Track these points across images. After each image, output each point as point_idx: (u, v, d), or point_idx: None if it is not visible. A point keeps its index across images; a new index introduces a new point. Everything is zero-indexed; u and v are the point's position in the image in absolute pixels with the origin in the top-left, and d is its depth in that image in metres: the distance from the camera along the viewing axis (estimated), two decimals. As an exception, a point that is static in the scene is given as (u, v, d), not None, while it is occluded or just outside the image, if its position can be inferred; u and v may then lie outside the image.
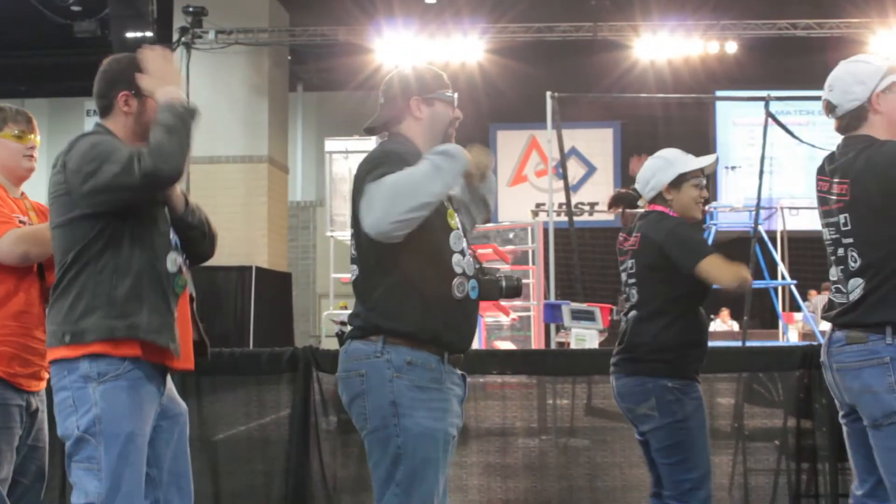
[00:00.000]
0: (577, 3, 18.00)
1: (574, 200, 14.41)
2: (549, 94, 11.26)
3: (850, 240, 3.10)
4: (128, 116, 3.21)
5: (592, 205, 19.18)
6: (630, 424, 3.93)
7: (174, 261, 3.23)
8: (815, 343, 7.57)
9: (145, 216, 3.14)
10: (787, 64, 18.41)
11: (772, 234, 14.31)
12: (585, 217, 19.07)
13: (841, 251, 3.14)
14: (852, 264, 3.08)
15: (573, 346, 7.67)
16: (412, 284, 2.87)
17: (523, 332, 13.24)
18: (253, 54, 18.69)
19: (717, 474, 4.17)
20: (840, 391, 3.17)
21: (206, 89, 16.56)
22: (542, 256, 11.99)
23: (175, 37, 17.61)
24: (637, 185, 3.77)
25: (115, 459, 2.97)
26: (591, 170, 20.36)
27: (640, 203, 3.75)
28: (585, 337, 7.63)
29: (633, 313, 3.64)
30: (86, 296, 3.01)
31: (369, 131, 3.21)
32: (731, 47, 18.03)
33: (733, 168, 17.83)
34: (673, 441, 3.51)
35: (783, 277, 14.30)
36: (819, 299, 16.46)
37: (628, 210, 3.80)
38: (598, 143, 20.36)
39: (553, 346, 10.25)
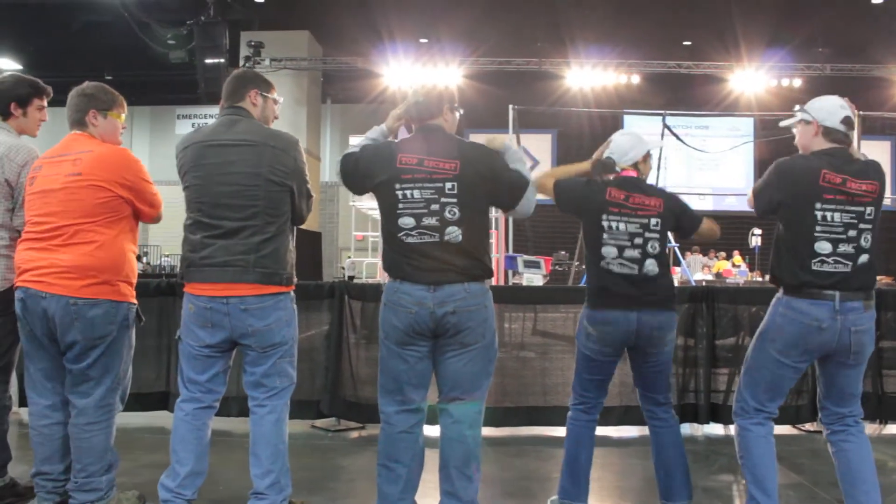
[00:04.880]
0: (527, 44, 18.02)
1: (523, 185, 14.35)
2: (511, 106, 11.20)
3: (870, 226, 2.91)
4: (255, 108, 3.10)
5: (536, 188, 19.27)
6: (558, 341, 3.78)
7: None
8: (696, 285, 7.66)
9: None
10: (676, 92, 18.48)
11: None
12: (531, 197, 19.10)
13: (853, 232, 2.89)
14: (864, 244, 2.90)
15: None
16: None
17: (487, 276, 13.23)
18: (296, 76, 18.56)
19: (625, 376, 4.10)
20: (846, 343, 2.90)
21: (263, 101, 16.39)
22: (504, 222, 11.95)
23: (241, 63, 17.43)
24: (613, 155, 3.30)
25: (296, 355, 3.15)
26: (535, 163, 20.33)
27: (617, 168, 3.27)
28: (533, 279, 7.65)
29: (652, 262, 3.18)
30: (286, 252, 3.03)
31: (418, 120, 3.05)
32: (636, 79, 18.11)
33: (635, 164, 17.91)
34: (671, 357, 3.33)
35: (670, 241, 14.39)
36: (692, 258, 16.70)
37: (606, 175, 3.28)
38: (541, 144, 20.43)
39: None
